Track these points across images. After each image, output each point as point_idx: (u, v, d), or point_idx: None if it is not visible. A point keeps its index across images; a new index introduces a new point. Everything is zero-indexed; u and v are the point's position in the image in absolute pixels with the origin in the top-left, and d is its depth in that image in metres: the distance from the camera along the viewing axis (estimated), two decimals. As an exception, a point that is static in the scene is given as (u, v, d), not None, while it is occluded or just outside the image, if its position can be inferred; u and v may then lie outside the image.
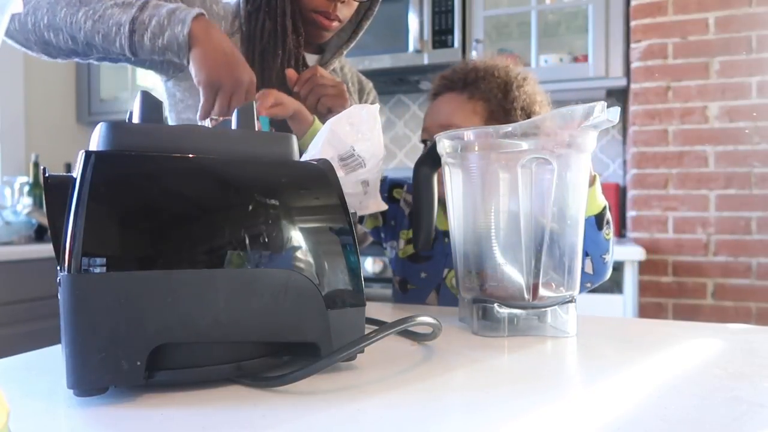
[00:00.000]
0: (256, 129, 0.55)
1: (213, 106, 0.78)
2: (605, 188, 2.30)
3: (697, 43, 1.92)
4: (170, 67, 0.97)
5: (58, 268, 0.42)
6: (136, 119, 0.50)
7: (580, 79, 2.12)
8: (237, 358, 0.46)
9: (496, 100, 0.91)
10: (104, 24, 0.79)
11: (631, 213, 2.04)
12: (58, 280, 0.42)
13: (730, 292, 1.87)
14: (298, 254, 0.48)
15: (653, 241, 1.95)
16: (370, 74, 1.29)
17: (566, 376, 0.52)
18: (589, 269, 0.84)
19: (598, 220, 0.80)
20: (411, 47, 2.25)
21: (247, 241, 0.45)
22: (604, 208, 0.81)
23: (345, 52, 1.07)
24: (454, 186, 0.70)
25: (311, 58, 1.06)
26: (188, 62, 0.79)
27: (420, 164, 0.77)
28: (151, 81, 1.07)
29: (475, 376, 0.50)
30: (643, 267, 1.92)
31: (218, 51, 0.78)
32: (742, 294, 1.86)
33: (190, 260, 0.44)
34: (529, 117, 0.91)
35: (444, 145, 0.69)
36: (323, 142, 0.70)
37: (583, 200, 0.67)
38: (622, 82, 2.07)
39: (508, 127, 0.63)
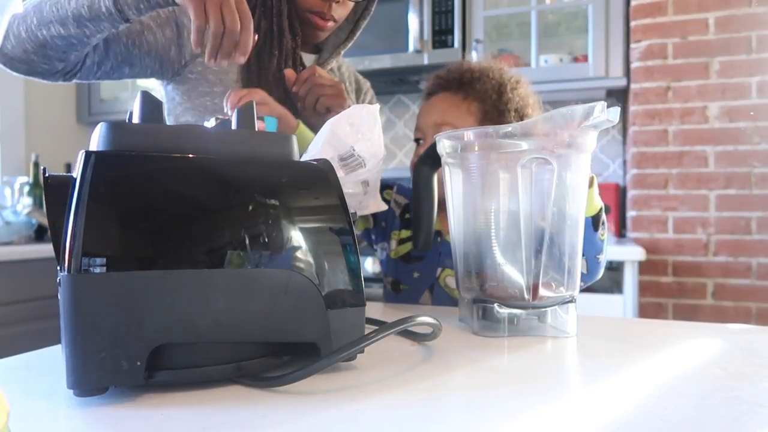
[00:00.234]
0: (258, 129, 0.55)
1: (204, 21, 0.73)
2: (605, 188, 2.30)
3: (697, 43, 1.92)
4: (169, 69, 0.97)
5: (58, 268, 0.42)
6: (136, 119, 0.50)
7: (580, 79, 2.12)
8: (237, 358, 0.46)
9: (491, 101, 0.93)
10: None
11: (631, 213, 2.04)
12: (58, 280, 0.42)
13: (730, 292, 1.87)
14: (298, 254, 0.48)
15: (653, 241, 1.95)
16: (370, 74, 1.29)
17: (566, 376, 0.52)
18: (583, 269, 0.84)
19: (595, 221, 0.81)
20: (411, 47, 2.25)
21: (247, 241, 0.45)
22: (601, 209, 0.82)
23: (342, 52, 1.08)
24: (454, 186, 0.70)
25: (309, 58, 1.06)
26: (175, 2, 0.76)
27: (420, 164, 0.77)
28: (150, 82, 1.07)
29: (475, 376, 0.50)
30: (643, 267, 1.92)
31: None
32: (742, 294, 1.86)
33: (190, 260, 0.44)
34: (522, 119, 0.92)
35: (444, 145, 0.69)
36: (323, 142, 0.70)
37: (583, 200, 0.67)
38: (622, 82, 2.07)
39: (508, 127, 0.63)
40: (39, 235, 2.22)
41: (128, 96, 2.88)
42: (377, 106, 0.74)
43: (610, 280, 1.97)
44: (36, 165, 2.48)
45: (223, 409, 0.41)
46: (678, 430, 0.37)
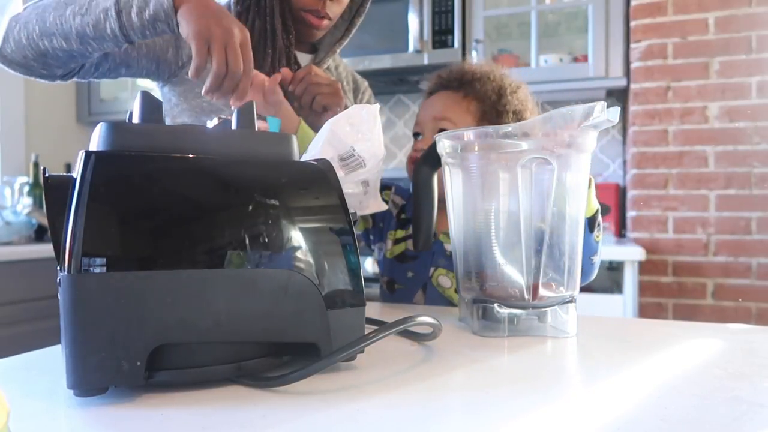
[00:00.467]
0: (261, 129, 0.55)
1: (205, 60, 0.74)
2: (606, 188, 2.30)
3: (697, 43, 1.92)
4: (166, 71, 0.97)
5: (58, 268, 0.42)
6: (136, 119, 0.50)
7: (580, 79, 2.12)
8: (237, 359, 0.46)
9: (490, 101, 0.94)
10: (92, 14, 0.79)
11: (631, 213, 2.04)
12: (58, 280, 0.42)
13: (730, 292, 1.87)
14: (298, 254, 0.48)
15: (653, 241, 1.95)
16: (370, 74, 1.29)
17: (566, 376, 0.52)
18: None
19: (591, 223, 0.81)
20: (411, 47, 2.25)
21: (247, 241, 0.45)
22: (597, 211, 0.82)
23: (338, 50, 1.07)
24: (454, 186, 0.70)
25: (305, 58, 1.05)
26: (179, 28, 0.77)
27: (420, 164, 0.77)
28: (150, 82, 1.07)
29: (475, 376, 0.50)
30: (643, 267, 1.92)
31: (203, 4, 0.76)
32: (742, 294, 1.86)
33: (190, 260, 0.44)
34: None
35: (444, 145, 0.69)
36: (323, 142, 0.70)
37: (583, 200, 0.67)
38: (622, 82, 2.07)
39: (508, 127, 0.63)
40: (39, 235, 2.22)
41: (128, 96, 2.88)
42: (377, 106, 0.74)
43: (610, 280, 1.97)
44: (36, 165, 2.48)
45: (223, 409, 0.41)
46: (678, 430, 0.37)
